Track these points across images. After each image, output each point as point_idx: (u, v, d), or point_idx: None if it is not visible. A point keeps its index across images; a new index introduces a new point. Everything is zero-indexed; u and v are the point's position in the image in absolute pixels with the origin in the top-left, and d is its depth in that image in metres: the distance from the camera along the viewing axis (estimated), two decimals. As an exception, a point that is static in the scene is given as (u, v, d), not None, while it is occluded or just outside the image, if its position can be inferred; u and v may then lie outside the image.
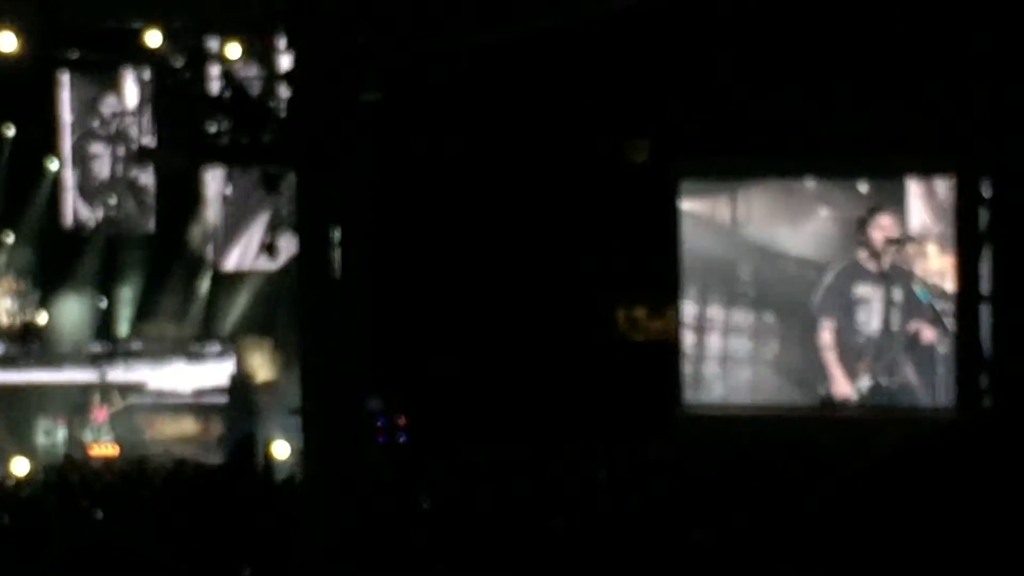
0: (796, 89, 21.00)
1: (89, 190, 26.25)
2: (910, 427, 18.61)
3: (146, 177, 26.01)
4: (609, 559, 10.55)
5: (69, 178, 26.20)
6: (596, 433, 19.62)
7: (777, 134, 21.48)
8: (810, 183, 22.57)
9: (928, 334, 22.18)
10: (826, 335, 22.62)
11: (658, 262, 21.96)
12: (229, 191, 25.52)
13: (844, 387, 22.32)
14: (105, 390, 24.36)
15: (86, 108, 26.13)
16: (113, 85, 25.93)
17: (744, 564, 8.88)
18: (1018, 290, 10.48)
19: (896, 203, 22.28)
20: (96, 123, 26.04)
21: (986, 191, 17.59)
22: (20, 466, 22.48)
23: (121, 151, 26.16)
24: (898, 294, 22.48)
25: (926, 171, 21.15)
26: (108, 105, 26.08)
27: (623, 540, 11.65)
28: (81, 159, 26.30)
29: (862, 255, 22.57)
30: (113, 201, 26.04)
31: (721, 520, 12.04)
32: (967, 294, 11.48)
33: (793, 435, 18.48)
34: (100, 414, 24.20)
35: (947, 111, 17.97)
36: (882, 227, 22.52)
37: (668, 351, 22.32)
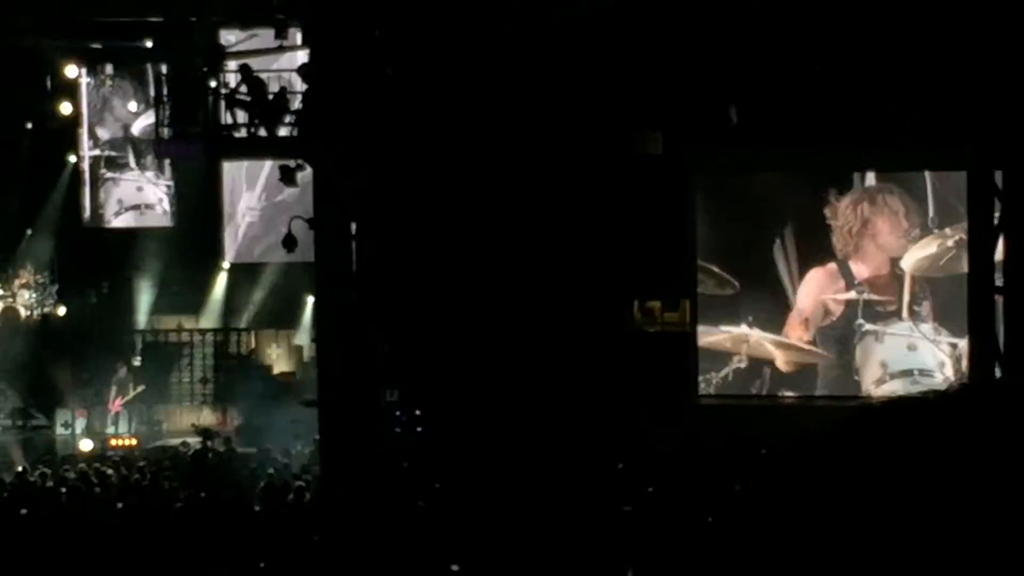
0: (810, 82, 21.02)
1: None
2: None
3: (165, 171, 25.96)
4: (622, 546, 10.65)
5: (86, 171, 26.11)
6: (612, 423, 19.69)
7: (790, 127, 21.51)
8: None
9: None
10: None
11: (672, 254, 22.00)
12: (246, 184, 25.54)
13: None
14: (121, 381, 24.37)
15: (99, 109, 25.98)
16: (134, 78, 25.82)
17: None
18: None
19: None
20: (107, 133, 26.00)
21: (1000, 182, 17.60)
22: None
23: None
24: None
25: (942, 164, 20.90)
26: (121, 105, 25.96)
27: (639, 528, 11.73)
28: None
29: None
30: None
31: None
32: (981, 285, 11.54)
33: (806, 426, 18.49)
34: (115, 405, 24.20)
35: (962, 104, 18.00)
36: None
37: (682, 342, 22.37)
